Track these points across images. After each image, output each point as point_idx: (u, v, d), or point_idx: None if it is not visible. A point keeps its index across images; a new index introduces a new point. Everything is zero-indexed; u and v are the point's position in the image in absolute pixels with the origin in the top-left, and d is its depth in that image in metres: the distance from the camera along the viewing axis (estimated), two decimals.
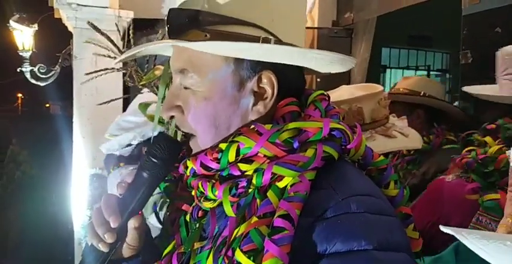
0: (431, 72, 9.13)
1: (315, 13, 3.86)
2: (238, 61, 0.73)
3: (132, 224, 0.77)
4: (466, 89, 1.66)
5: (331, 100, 0.80)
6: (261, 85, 0.74)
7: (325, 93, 0.79)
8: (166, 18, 0.74)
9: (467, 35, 2.51)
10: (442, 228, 0.65)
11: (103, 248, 0.75)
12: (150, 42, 0.79)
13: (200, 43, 0.71)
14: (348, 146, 0.73)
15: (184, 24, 0.73)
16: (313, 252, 0.64)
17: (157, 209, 1.14)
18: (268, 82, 0.74)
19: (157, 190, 0.93)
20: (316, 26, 3.84)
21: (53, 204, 8.41)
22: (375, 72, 7.61)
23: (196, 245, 0.76)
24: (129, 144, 2.00)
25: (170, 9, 0.75)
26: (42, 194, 8.59)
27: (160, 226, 1.00)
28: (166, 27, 0.75)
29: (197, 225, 0.78)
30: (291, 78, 0.76)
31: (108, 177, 2.18)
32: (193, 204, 0.81)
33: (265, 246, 0.63)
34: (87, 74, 1.60)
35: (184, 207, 0.84)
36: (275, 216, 0.64)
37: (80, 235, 3.07)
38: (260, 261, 0.62)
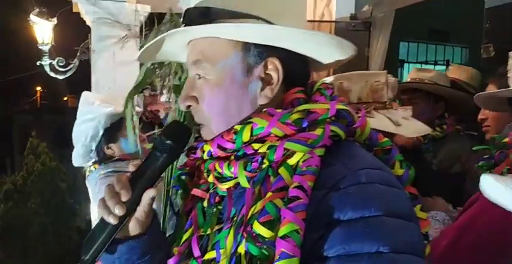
0: (450, 67, 8.96)
1: (332, 6, 3.81)
2: (245, 49, 0.79)
3: (149, 194, 0.80)
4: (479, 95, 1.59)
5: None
6: (267, 71, 0.80)
7: (328, 82, 0.86)
8: (182, 18, 0.82)
9: (490, 28, 2.46)
10: None
11: (112, 221, 0.77)
12: (166, 33, 0.83)
13: (208, 25, 0.78)
14: (354, 126, 0.78)
15: (197, 20, 0.79)
16: (327, 221, 0.69)
17: (173, 200, 1.16)
18: (274, 68, 0.79)
19: (172, 183, 0.94)
20: (333, 19, 3.79)
21: (72, 195, 8.57)
22: (392, 67, 7.52)
23: (215, 228, 0.81)
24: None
25: (186, 9, 0.82)
26: (61, 185, 8.76)
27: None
28: (182, 25, 0.82)
29: (214, 210, 0.83)
30: (295, 67, 0.81)
31: (87, 179, 2.17)
32: (210, 190, 0.85)
33: (282, 214, 0.68)
34: None
35: (201, 194, 0.87)
36: (290, 188, 0.69)
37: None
38: (277, 230, 0.67)
